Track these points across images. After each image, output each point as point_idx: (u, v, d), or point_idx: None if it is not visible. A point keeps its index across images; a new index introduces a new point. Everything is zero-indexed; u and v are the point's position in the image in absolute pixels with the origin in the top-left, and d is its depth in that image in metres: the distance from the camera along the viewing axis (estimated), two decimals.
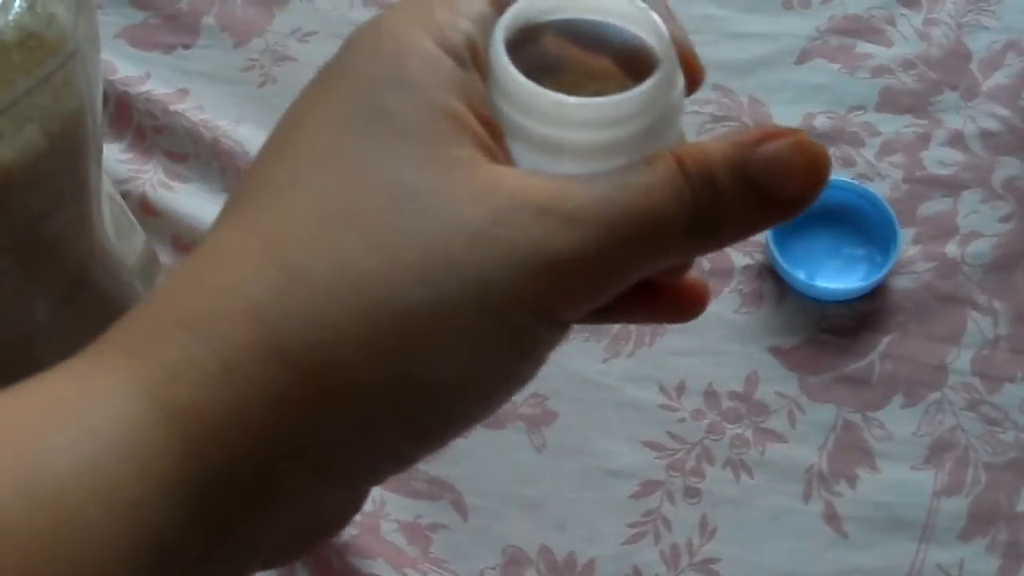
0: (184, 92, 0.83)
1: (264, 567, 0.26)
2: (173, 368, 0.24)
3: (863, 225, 0.76)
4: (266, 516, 0.24)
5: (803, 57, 0.84)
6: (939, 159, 0.80)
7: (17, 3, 0.43)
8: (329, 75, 0.27)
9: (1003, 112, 0.82)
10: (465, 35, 0.27)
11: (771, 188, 0.26)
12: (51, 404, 0.23)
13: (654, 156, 0.26)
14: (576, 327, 0.73)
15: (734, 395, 0.72)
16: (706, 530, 0.68)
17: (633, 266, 0.26)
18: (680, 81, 0.28)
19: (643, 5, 0.28)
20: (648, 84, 0.26)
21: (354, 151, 0.25)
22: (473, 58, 0.27)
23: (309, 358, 0.24)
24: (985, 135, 0.81)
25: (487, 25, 0.27)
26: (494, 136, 0.27)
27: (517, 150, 0.27)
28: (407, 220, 0.24)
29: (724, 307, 0.75)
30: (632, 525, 0.68)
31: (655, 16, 0.28)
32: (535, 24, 0.28)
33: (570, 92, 0.26)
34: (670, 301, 0.31)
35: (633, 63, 0.28)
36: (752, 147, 0.26)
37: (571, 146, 0.26)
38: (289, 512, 0.25)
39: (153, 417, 0.23)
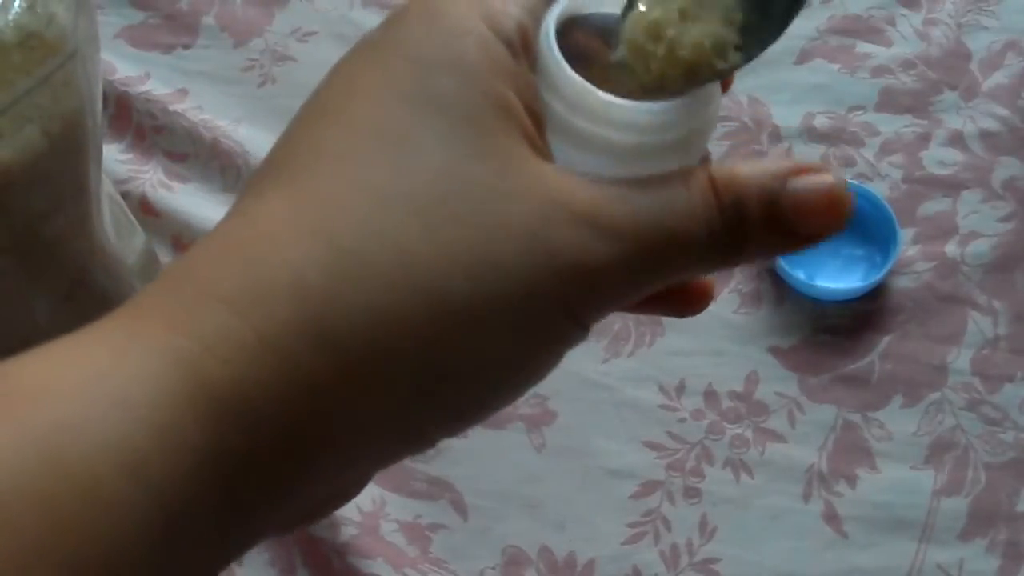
0: (184, 92, 0.83)
1: (274, 534, 0.26)
2: (209, 342, 0.23)
3: (863, 225, 0.76)
4: (290, 491, 0.25)
5: (803, 57, 0.84)
6: (939, 159, 0.80)
7: (17, 3, 0.43)
8: (379, 49, 0.27)
9: (1003, 112, 0.82)
10: (517, 22, 0.27)
11: (795, 224, 0.27)
12: (82, 371, 0.23)
13: (689, 174, 0.27)
14: None
15: (734, 395, 0.72)
16: (706, 530, 0.68)
17: (659, 280, 0.27)
18: (719, 92, 0.28)
19: None
20: (697, 93, 0.27)
21: (408, 132, 0.25)
22: (523, 46, 0.27)
23: (351, 341, 0.24)
24: (985, 135, 0.81)
25: (537, 13, 0.28)
26: (539, 129, 0.27)
27: (557, 143, 0.27)
28: (461, 212, 0.25)
29: (724, 307, 0.75)
30: (632, 525, 0.68)
31: None
32: (578, 16, 0.28)
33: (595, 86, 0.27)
34: (676, 296, 0.32)
35: None
36: (784, 180, 0.27)
37: (612, 146, 0.27)
38: (312, 487, 0.25)
39: (185, 391, 0.23)
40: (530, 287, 0.25)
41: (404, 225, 0.24)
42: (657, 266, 0.26)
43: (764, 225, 0.27)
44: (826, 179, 0.27)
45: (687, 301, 0.32)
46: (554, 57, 0.27)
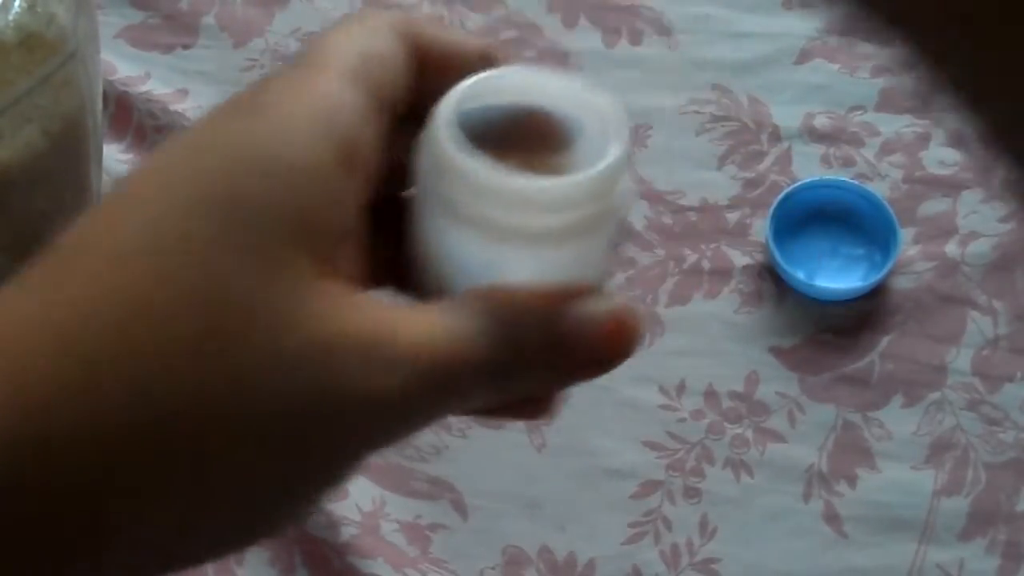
0: (184, 92, 0.83)
1: None
2: None
3: (863, 225, 0.76)
4: None
5: (803, 57, 0.84)
6: (939, 159, 0.80)
7: (17, 3, 0.43)
8: (189, 143, 0.25)
9: None
10: (350, 124, 0.25)
11: (576, 350, 0.26)
12: None
13: (471, 297, 0.26)
14: None
15: (734, 395, 0.72)
16: (706, 530, 0.68)
17: (435, 412, 0.25)
18: (624, 171, 0.27)
19: (593, 89, 0.28)
20: (604, 166, 0.26)
21: (186, 239, 0.24)
22: (351, 154, 0.25)
23: (76, 460, 0.23)
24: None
25: (365, 111, 0.26)
26: (344, 245, 0.25)
27: (464, 236, 0.26)
28: (227, 335, 0.23)
29: (724, 307, 0.75)
30: (632, 525, 0.68)
31: (606, 98, 0.28)
32: (468, 108, 0.28)
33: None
34: (518, 405, 0.29)
35: (550, 144, 0.28)
36: (562, 304, 0.26)
37: (522, 231, 0.26)
38: None
39: None
40: (292, 415, 0.23)
41: (151, 346, 0.23)
42: (435, 397, 0.25)
43: (545, 352, 0.26)
44: (608, 305, 0.26)
45: (530, 411, 0.30)
46: (454, 145, 0.26)
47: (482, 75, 0.27)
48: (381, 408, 0.24)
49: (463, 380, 0.25)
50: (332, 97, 0.26)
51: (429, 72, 0.28)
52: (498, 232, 0.26)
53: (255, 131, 0.25)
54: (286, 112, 0.25)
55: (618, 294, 0.27)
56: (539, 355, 0.26)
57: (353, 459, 0.25)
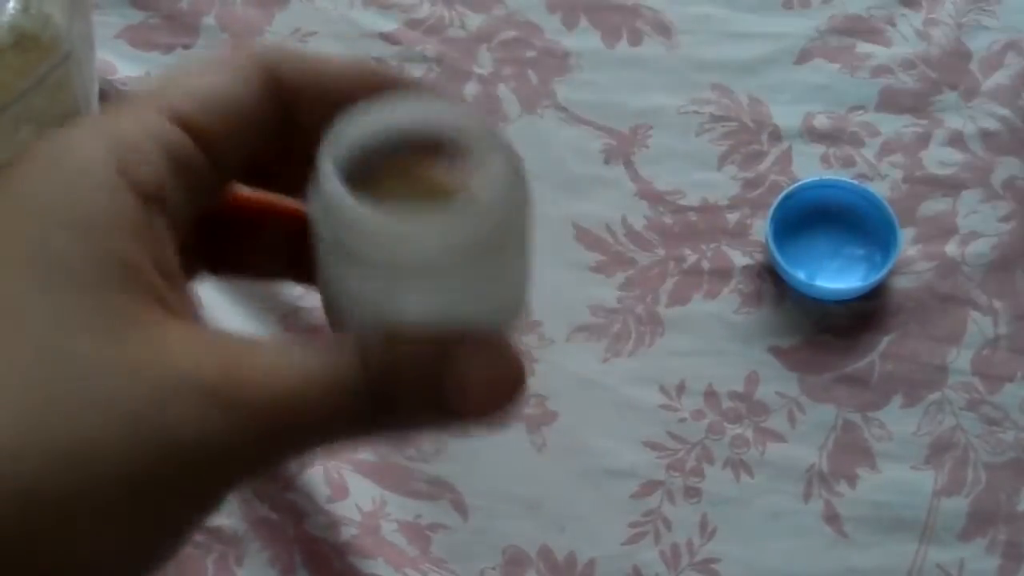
0: None
1: None
2: None
3: (863, 225, 0.76)
4: None
5: (803, 57, 0.84)
6: (939, 159, 0.80)
7: (12, 5, 0.43)
8: (2, 197, 0.25)
9: (1003, 112, 0.82)
10: (152, 166, 0.25)
11: (454, 403, 0.25)
12: None
13: (342, 339, 0.25)
14: (577, 326, 0.73)
15: (734, 395, 0.72)
16: (706, 530, 0.68)
17: (293, 451, 0.25)
18: (520, 197, 0.27)
19: (473, 111, 0.28)
20: (484, 191, 0.26)
21: (15, 303, 0.23)
22: (156, 192, 0.25)
23: None
24: (985, 135, 0.81)
25: (180, 151, 0.26)
26: (172, 286, 0.25)
27: (352, 274, 0.26)
28: (59, 394, 0.23)
29: (724, 307, 0.75)
30: (632, 525, 0.68)
31: (485, 118, 0.27)
32: (359, 145, 0.27)
33: (387, 199, 0.26)
34: None
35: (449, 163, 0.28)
36: (444, 356, 0.25)
37: (413, 268, 0.26)
38: None
39: None
40: (135, 473, 0.23)
41: None
42: (287, 438, 0.25)
43: (421, 402, 0.25)
44: (500, 360, 0.26)
45: None
46: (335, 185, 0.25)
47: (370, 106, 0.27)
48: (227, 451, 0.24)
49: (320, 419, 0.25)
50: (134, 136, 0.25)
51: (309, 107, 0.28)
52: (384, 269, 0.26)
53: (53, 179, 0.24)
54: (84, 153, 0.25)
55: (510, 344, 0.26)
56: (415, 404, 0.25)
57: (212, 499, 0.25)
